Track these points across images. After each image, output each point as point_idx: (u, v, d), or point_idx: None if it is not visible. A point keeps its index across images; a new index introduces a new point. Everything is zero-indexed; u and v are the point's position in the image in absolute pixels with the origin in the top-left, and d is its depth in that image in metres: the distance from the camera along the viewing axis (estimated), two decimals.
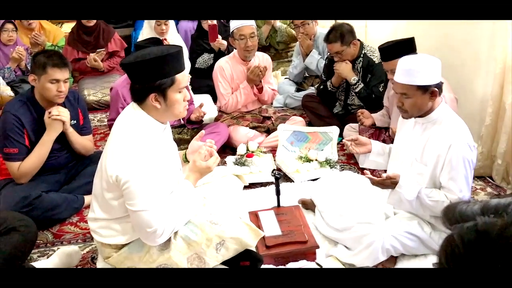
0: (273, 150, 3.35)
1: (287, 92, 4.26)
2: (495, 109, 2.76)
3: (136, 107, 1.85)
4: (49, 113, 2.54)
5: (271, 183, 2.89)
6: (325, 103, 3.68)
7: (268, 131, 3.57)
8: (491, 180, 2.91)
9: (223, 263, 1.95)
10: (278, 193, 2.44)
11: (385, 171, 2.30)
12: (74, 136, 2.70)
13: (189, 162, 2.08)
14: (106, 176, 1.79)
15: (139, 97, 1.83)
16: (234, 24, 3.39)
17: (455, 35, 3.06)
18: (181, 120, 3.34)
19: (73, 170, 2.81)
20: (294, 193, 2.77)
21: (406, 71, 2.02)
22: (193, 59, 4.36)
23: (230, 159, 3.20)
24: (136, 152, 1.75)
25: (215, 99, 3.82)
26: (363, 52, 3.38)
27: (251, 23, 3.39)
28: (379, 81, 3.33)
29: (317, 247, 2.20)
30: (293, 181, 2.98)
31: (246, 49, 3.38)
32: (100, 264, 2.09)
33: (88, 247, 2.42)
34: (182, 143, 3.20)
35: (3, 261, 2.03)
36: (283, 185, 2.82)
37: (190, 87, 3.91)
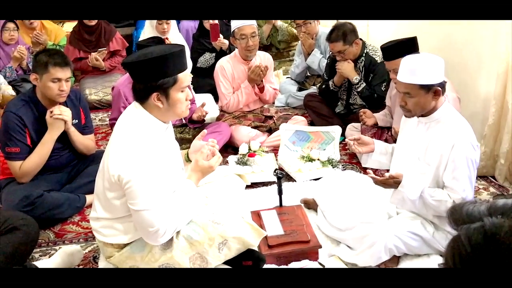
0: (275, 150, 3.34)
1: (289, 91, 4.26)
2: (498, 108, 2.75)
3: (138, 106, 1.84)
4: (51, 112, 2.54)
5: (273, 182, 2.89)
6: (327, 103, 3.68)
7: (270, 131, 3.56)
8: (494, 180, 2.90)
9: (225, 262, 1.95)
10: (280, 192, 2.44)
11: (388, 170, 2.29)
12: (75, 135, 2.70)
13: (191, 161, 2.08)
14: (108, 176, 1.79)
15: (141, 96, 1.82)
16: (235, 24, 3.38)
17: (457, 35, 3.06)
18: (183, 120, 3.34)
19: (75, 169, 2.81)
20: (296, 193, 2.76)
21: (409, 70, 2.01)
22: (194, 59, 4.36)
23: (232, 158, 3.20)
24: (138, 152, 1.75)
25: (216, 99, 3.82)
26: (365, 52, 3.37)
27: (252, 22, 3.38)
28: (381, 80, 3.33)
29: (320, 246, 2.20)
30: (295, 181, 2.97)
31: (247, 49, 3.38)
32: (102, 263, 2.09)
33: (90, 247, 2.41)
34: (184, 143, 3.20)
35: (4, 260, 2.03)
36: (285, 185, 2.82)
37: (191, 86, 3.90)
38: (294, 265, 2.13)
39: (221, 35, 4.20)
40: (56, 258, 2.20)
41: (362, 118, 3.22)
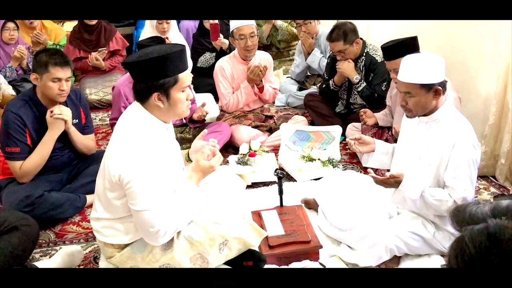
0: (275, 149, 3.34)
1: (289, 91, 4.25)
2: (499, 108, 2.75)
3: (139, 106, 1.84)
4: (51, 112, 2.54)
5: (274, 182, 2.88)
6: (328, 102, 3.68)
7: (271, 130, 3.56)
8: (494, 180, 2.90)
9: (226, 263, 1.94)
10: (281, 192, 2.43)
11: (389, 170, 2.29)
12: (76, 135, 2.70)
13: (191, 161, 2.08)
14: (109, 176, 1.78)
15: (142, 96, 1.82)
16: (233, 24, 3.38)
17: (458, 34, 3.05)
18: (184, 119, 3.33)
19: (75, 169, 2.81)
20: (296, 193, 2.76)
21: (410, 70, 2.01)
22: (194, 58, 4.36)
23: (232, 158, 3.19)
24: (139, 152, 1.75)
25: (217, 98, 3.82)
26: (365, 51, 3.37)
27: (251, 22, 3.37)
28: (381, 80, 3.32)
29: (320, 247, 2.19)
30: (296, 181, 2.97)
31: (246, 49, 3.37)
32: (102, 263, 2.09)
33: (91, 247, 2.41)
34: (184, 142, 3.19)
35: (4, 260, 2.03)
36: (286, 185, 2.81)
37: (192, 86, 3.89)
38: (295, 265, 2.13)
39: (221, 35, 4.20)
40: (57, 258, 2.20)
41: (363, 118, 3.22)
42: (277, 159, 3.21)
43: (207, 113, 3.29)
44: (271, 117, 3.62)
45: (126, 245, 1.93)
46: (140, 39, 4.02)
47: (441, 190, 2.06)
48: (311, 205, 2.60)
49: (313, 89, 4.10)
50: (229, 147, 3.40)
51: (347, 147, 2.99)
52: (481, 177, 2.87)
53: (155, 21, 4.18)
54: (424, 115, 2.11)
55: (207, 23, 4.35)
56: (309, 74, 4.39)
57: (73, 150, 2.76)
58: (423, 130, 2.14)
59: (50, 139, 2.57)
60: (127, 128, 1.82)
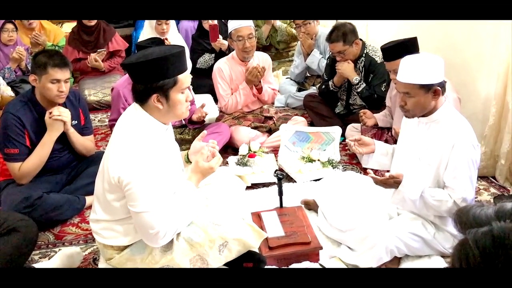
0: (275, 150, 3.33)
1: (288, 92, 4.25)
2: (499, 108, 2.74)
3: (138, 107, 1.84)
4: (50, 113, 2.53)
5: (274, 183, 2.88)
6: (327, 103, 3.67)
7: (270, 131, 3.55)
8: (494, 180, 2.90)
9: (226, 264, 1.94)
10: (280, 193, 2.43)
11: (389, 171, 2.28)
12: (75, 137, 2.69)
13: (191, 162, 2.07)
14: (108, 177, 1.78)
15: (141, 97, 1.81)
16: (232, 25, 3.37)
17: (458, 35, 3.05)
18: (183, 121, 3.33)
19: (74, 170, 2.80)
20: (296, 194, 2.75)
21: (409, 70, 2.01)
22: (194, 59, 4.35)
23: (232, 159, 3.19)
24: (138, 153, 1.74)
25: (216, 99, 3.82)
26: (365, 52, 3.37)
27: (249, 24, 3.37)
28: (381, 80, 3.32)
29: (320, 248, 2.19)
30: (296, 182, 2.96)
31: (244, 50, 3.37)
32: (102, 265, 2.08)
33: (90, 248, 2.40)
34: (183, 144, 3.19)
35: (3, 261, 2.02)
36: (286, 186, 2.81)
37: (191, 87, 3.89)
38: (294, 266, 2.12)
39: (220, 36, 4.19)
40: (56, 260, 2.20)
41: (362, 119, 3.21)
42: (276, 160, 3.20)
43: (206, 114, 3.29)
44: (270, 118, 3.62)
45: (126, 247, 1.92)
46: (139, 40, 4.01)
47: (441, 191, 2.06)
48: (311, 206, 2.60)
49: (313, 90, 4.09)
50: (229, 148, 3.39)
51: (346, 148, 2.99)
52: (481, 177, 2.87)
53: (154, 22, 4.18)
54: (423, 116, 2.11)
55: (206, 24, 4.34)
56: (308, 75, 4.38)
57: (72, 152, 2.75)
58: (423, 131, 2.14)
59: (49, 140, 2.57)
60: (126, 129, 1.81)
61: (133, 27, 5.54)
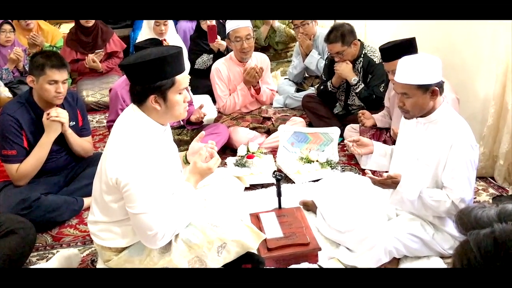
0: (273, 151, 3.33)
1: (287, 92, 4.24)
2: (497, 109, 2.74)
3: (136, 108, 1.83)
4: (48, 114, 2.52)
5: (272, 184, 2.87)
6: (326, 104, 3.67)
7: (269, 132, 3.55)
8: (493, 181, 2.90)
9: (224, 266, 1.93)
10: (279, 194, 2.42)
11: (387, 171, 2.28)
12: (73, 138, 2.68)
13: (189, 163, 2.06)
14: (106, 179, 1.77)
15: (139, 98, 1.81)
16: (229, 26, 3.37)
17: (456, 35, 3.05)
18: (181, 121, 3.32)
19: (72, 172, 2.79)
20: (295, 195, 2.75)
21: (407, 71, 2.01)
22: (192, 60, 4.35)
23: (230, 160, 3.19)
24: (136, 154, 1.73)
25: (214, 100, 3.81)
26: (363, 52, 3.37)
27: (247, 24, 3.36)
28: (379, 81, 3.32)
29: (319, 249, 2.18)
30: (294, 182, 2.96)
31: (242, 51, 3.37)
32: (100, 267, 2.07)
33: (88, 250, 2.40)
34: (181, 144, 3.18)
35: (1, 264, 2.01)
36: (284, 186, 2.80)
37: (189, 88, 3.88)
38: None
39: (218, 37, 4.19)
40: (54, 262, 2.19)
41: (361, 119, 3.21)
42: (275, 161, 3.20)
43: (204, 115, 3.28)
44: (269, 118, 3.62)
45: (124, 249, 1.91)
46: (137, 41, 4.01)
47: (439, 191, 2.06)
48: (310, 207, 2.60)
49: (311, 90, 4.09)
50: (227, 149, 3.39)
51: (345, 148, 2.99)
52: (479, 178, 2.87)
53: (153, 23, 4.17)
54: (421, 116, 2.11)
55: (204, 25, 4.34)
56: (307, 75, 4.38)
57: (70, 153, 2.75)
58: (421, 131, 2.14)
59: (47, 141, 2.56)
60: (124, 130, 1.81)
61: (131, 28, 5.54)
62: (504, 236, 0.74)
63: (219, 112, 3.63)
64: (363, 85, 3.35)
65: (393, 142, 2.65)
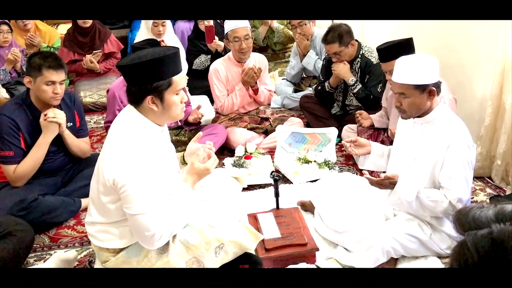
0: (271, 152, 3.33)
1: (284, 93, 4.25)
2: (495, 109, 2.75)
3: (133, 109, 1.83)
4: (45, 115, 2.52)
5: (270, 185, 2.87)
6: (323, 104, 3.67)
7: (266, 132, 3.55)
8: (490, 181, 2.90)
9: (222, 266, 1.93)
10: (277, 195, 2.42)
11: (385, 172, 2.28)
12: (70, 138, 2.68)
13: (187, 164, 2.06)
14: (103, 180, 1.77)
15: (135, 99, 1.80)
16: (228, 26, 3.37)
17: (453, 35, 3.06)
18: (179, 122, 3.32)
19: (70, 172, 2.79)
20: (293, 195, 2.75)
21: (404, 71, 2.01)
22: (190, 60, 4.35)
23: (228, 161, 3.19)
24: (133, 155, 1.73)
25: (212, 101, 3.81)
26: (361, 53, 3.37)
27: (246, 24, 3.37)
28: (377, 81, 3.33)
29: (317, 249, 2.18)
30: (292, 183, 2.96)
31: (240, 51, 3.37)
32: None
33: (86, 251, 2.39)
34: (179, 145, 3.18)
35: None
36: (282, 187, 2.80)
37: (187, 89, 3.88)
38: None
39: (216, 37, 4.19)
40: (51, 263, 2.18)
41: (358, 120, 3.22)
42: (273, 161, 3.20)
43: (202, 116, 3.28)
44: (266, 119, 3.62)
45: (121, 250, 1.91)
46: (135, 41, 4.01)
47: (437, 191, 2.06)
48: (308, 207, 2.60)
49: (309, 90, 4.09)
50: (225, 150, 3.38)
51: (343, 149, 2.98)
52: (477, 178, 2.87)
53: (151, 23, 4.17)
54: (418, 117, 2.11)
55: (202, 25, 4.34)
56: (304, 75, 4.38)
57: (67, 154, 2.74)
58: (418, 132, 2.14)
59: (44, 142, 2.56)
60: (121, 131, 1.80)
61: (129, 29, 5.53)
62: (501, 236, 0.74)
63: (217, 112, 3.63)
64: (360, 86, 3.35)
65: (391, 143, 2.66)
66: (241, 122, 3.51)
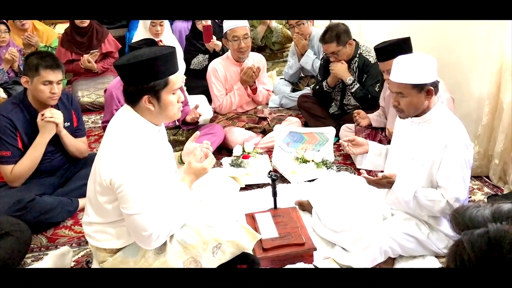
0: (269, 151, 3.33)
1: (282, 92, 4.25)
2: (492, 108, 2.75)
3: (130, 109, 1.82)
4: (42, 115, 2.51)
5: (268, 184, 2.87)
6: (321, 103, 3.67)
7: (264, 132, 3.55)
8: (488, 180, 2.90)
9: (219, 266, 1.92)
10: (274, 194, 2.42)
11: (383, 171, 2.28)
12: (67, 138, 2.67)
13: (184, 163, 2.06)
14: (100, 180, 1.76)
15: (132, 99, 1.80)
16: (227, 25, 3.37)
17: (451, 35, 3.06)
18: (176, 122, 3.32)
19: (67, 172, 2.78)
20: (290, 195, 2.74)
21: (402, 70, 2.01)
22: (188, 60, 4.34)
23: (226, 160, 3.18)
24: (130, 155, 1.73)
25: (210, 100, 3.81)
26: (358, 52, 3.37)
27: (244, 24, 3.36)
28: (375, 81, 3.33)
29: (315, 249, 2.18)
30: (290, 182, 2.96)
31: (239, 50, 3.37)
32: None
33: (83, 251, 2.39)
34: (177, 145, 3.18)
35: None
36: (280, 187, 2.80)
37: (185, 88, 3.88)
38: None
39: (214, 37, 4.19)
40: (47, 262, 2.17)
41: (356, 119, 3.22)
42: (270, 161, 3.20)
43: (200, 115, 3.28)
44: (264, 118, 3.62)
45: (119, 250, 1.91)
46: (132, 41, 4.00)
47: (434, 191, 2.06)
48: (305, 207, 2.60)
49: (307, 90, 4.09)
50: (223, 149, 3.38)
51: (340, 148, 2.99)
52: (474, 177, 2.87)
53: (148, 23, 4.17)
54: (416, 116, 2.11)
55: (200, 25, 4.33)
56: (302, 75, 4.38)
57: (65, 154, 2.74)
58: (416, 131, 2.14)
59: (42, 142, 2.55)
60: (118, 131, 1.80)
61: (127, 28, 5.52)
62: (498, 236, 0.74)
63: (215, 112, 3.63)
64: (358, 85, 3.35)
65: (389, 142, 2.66)
66: (239, 122, 3.50)
